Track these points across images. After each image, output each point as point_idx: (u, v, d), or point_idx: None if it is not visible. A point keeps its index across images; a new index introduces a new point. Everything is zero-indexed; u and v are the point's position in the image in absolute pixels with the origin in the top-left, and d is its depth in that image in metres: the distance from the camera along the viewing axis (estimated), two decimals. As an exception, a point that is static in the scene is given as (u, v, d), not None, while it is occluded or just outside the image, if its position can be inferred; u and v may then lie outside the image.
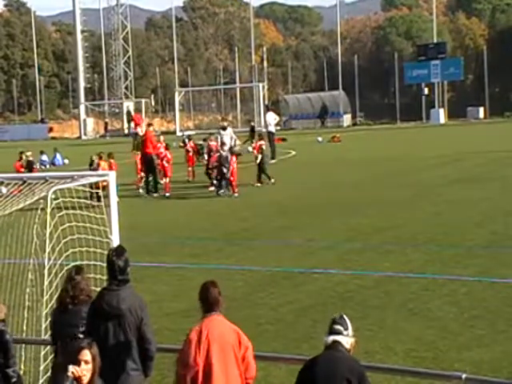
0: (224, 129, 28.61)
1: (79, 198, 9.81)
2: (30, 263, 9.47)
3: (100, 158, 27.24)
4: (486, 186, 25.22)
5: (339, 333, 5.79)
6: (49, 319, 8.56)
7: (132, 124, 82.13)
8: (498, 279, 13.17)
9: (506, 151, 35.80)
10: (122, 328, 6.90)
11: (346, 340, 5.78)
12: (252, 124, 47.26)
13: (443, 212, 20.53)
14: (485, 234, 17.22)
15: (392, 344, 10.17)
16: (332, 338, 5.80)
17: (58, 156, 44.79)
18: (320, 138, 52.42)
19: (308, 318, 11.54)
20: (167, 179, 28.03)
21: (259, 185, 28.52)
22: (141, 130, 33.12)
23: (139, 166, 29.03)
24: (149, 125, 32.39)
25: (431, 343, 10.15)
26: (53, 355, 7.76)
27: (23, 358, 8.69)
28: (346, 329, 5.82)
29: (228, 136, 27.99)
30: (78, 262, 9.42)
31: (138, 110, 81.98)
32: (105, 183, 9.65)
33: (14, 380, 7.10)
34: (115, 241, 9.10)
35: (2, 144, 70.71)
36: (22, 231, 10.16)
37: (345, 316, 5.94)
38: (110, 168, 26.44)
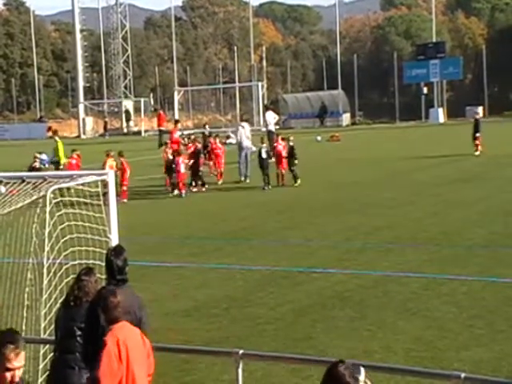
0: (246, 121, 30.62)
1: (78, 196, 9.81)
2: (29, 262, 9.46)
3: (107, 155, 27.19)
4: (485, 185, 25.22)
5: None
6: (48, 318, 8.57)
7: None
8: (497, 279, 13.17)
9: (505, 151, 35.76)
10: (121, 327, 6.89)
11: None
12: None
13: (442, 211, 20.53)
14: (484, 233, 17.22)
15: (391, 343, 10.17)
16: None
17: (57, 155, 44.68)
18: (319, 137, 52.36)
19: (307, 318, 11.55)
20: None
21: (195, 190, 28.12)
22: (165, 128, 32.80)
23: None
24: (176, 122, 31.49)
25: (430, 343, 10.15)
26: (52, 354, 7.75)
27: (22, 358, 8.67)
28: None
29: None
30: (76, 262, 9.43)
31: (137, 109, 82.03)
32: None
33: None
34: (114, 240, 9.10)
35: (1, 143, 70.69)
36: (21, 230, 10.15)
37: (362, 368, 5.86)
38: (123, 166, 26.42)
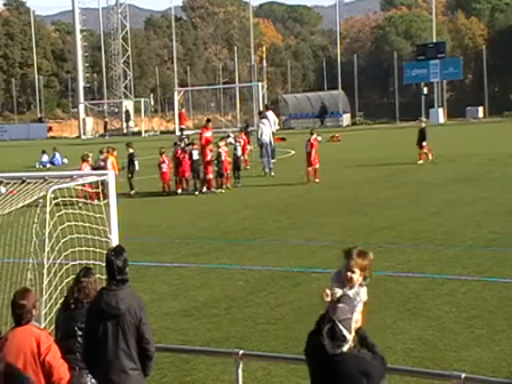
0: (264, 117, 32.48)
1: (78, 197, 9.80)
2: (29, 262, 9.46)
3: (108, 151, 27.41)
4: (486, 185, 25.21)
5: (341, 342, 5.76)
6: (48, 319, 8.56)
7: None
8: (498, 279, 13.17)
9: (505, 151, 35.77)
10: (121, 328, 6.90)
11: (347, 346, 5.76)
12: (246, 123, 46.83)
13: (442, 211, 20.53)
14: (484, 233, 17.21)
15: (391, 343, 10.17)
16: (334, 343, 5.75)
17: (58, 155, 44.72)
18: (319, 138, 52.24)
19: (307, 318, 11.52)
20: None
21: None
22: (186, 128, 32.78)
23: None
24: (207, 121, 30.75)
25: (430, 343, 10.15)
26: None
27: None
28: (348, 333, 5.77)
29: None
30: (77, 262, 9.44)
31: (137, 109, 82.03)
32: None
33: None
34: (114, 240, 9.10)
35: (1, 143, 70.70)
36: (21, 230, 10.15)
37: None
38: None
